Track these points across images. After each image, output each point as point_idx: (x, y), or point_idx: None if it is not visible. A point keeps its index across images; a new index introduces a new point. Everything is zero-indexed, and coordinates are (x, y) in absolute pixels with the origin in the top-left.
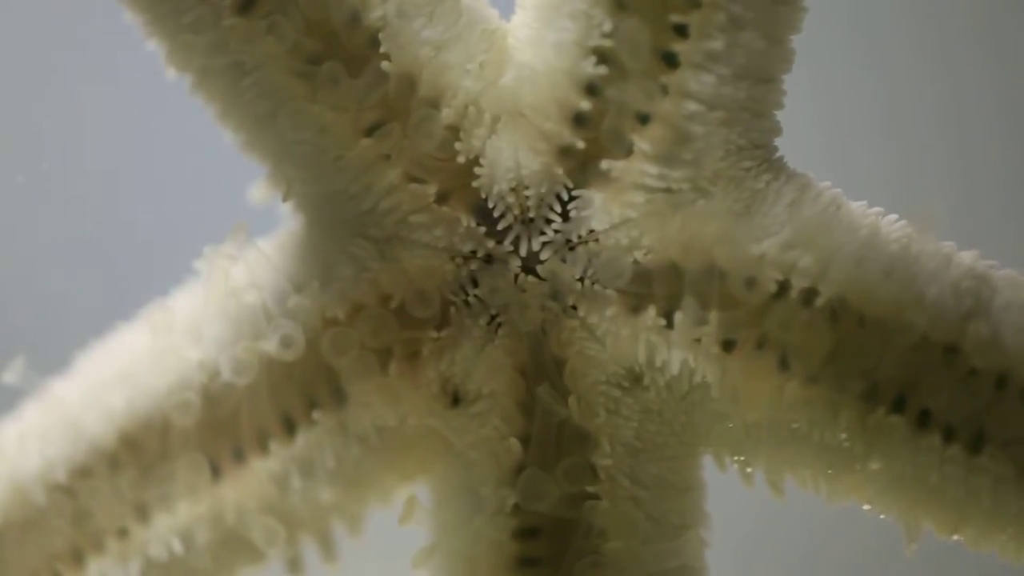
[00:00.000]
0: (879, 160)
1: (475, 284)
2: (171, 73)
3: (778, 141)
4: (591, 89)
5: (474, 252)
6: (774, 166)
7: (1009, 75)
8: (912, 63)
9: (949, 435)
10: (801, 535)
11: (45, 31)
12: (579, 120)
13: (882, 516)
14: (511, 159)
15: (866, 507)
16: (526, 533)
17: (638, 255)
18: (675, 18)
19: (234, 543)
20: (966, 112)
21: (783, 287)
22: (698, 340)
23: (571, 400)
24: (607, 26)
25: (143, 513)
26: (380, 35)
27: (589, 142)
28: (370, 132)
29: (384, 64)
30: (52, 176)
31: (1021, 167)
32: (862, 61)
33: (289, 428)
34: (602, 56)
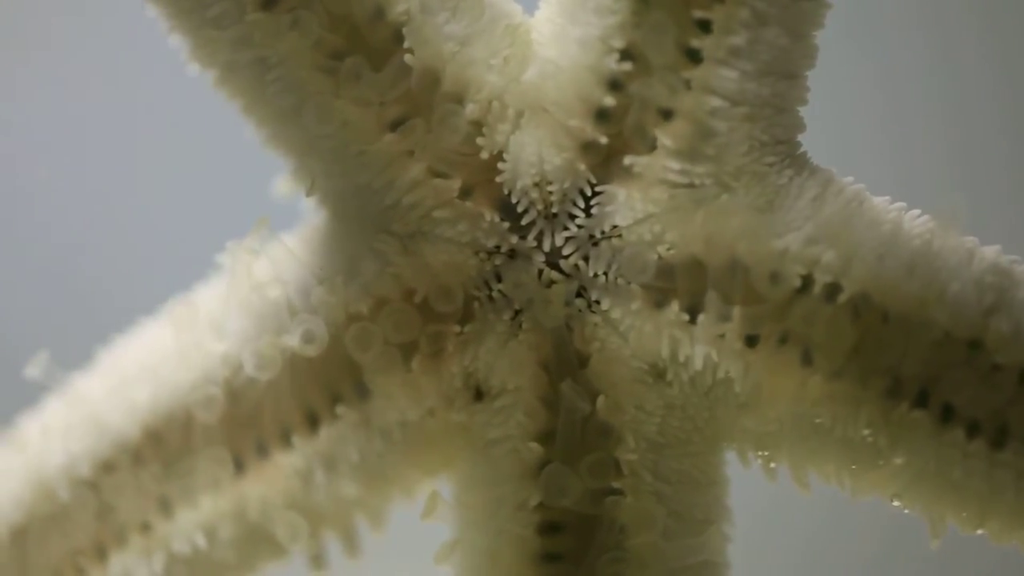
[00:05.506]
0: (879, 160)
1: (499, 279)
2: (194, 68)
3: None
4: (614, 85)
5: (498, 247)
6: (797, 161)
7: (1012, 75)
8: (914, 62)
9: (972, 430)
10: (802, 532)
11: (48, 27)
12: (602, 116)
13: (907, 511)
14: (534, 154)
15: (895, 503)
16: (549, 528)
17: (661, 250)
18: (698, 13)
19: (257, 537)
20: (968, 112)
21: (806, 282)
22: (721, 335)
23: (600, 396)
24: (631, 21)
25: (166, 508)
26: (404, 30)
27: (612, 138)
28: (394, 127)
29: (407, 59)
30: (70, 171)
31: (1021, 167)
32: (862, 59)
33: (312, 423)
34: (625, 52)
